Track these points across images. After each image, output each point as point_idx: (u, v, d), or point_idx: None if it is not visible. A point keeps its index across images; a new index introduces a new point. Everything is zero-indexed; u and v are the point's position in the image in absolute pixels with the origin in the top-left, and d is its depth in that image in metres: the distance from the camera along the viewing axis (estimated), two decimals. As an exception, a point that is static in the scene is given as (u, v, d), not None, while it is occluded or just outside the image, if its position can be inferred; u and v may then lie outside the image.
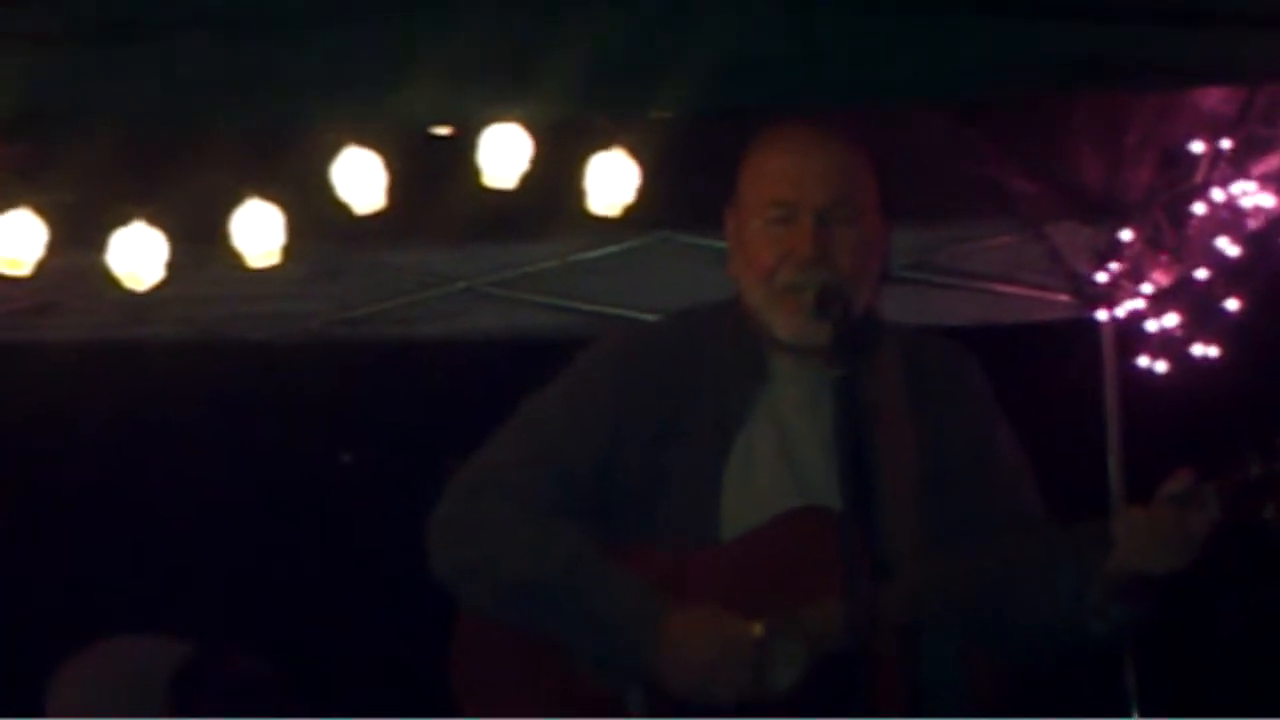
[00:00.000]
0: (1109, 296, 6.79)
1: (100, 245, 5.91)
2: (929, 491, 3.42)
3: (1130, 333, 6.78)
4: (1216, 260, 6.37)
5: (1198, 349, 6.60)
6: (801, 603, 3.28)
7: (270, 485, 8.92)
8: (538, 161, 5.44)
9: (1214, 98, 5.91)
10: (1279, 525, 3.14)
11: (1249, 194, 6.16)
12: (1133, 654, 6.41)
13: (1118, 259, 6.68)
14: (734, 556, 3.39)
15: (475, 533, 3.49)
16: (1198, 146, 6.23)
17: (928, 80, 4.03)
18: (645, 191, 5.82)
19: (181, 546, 8.62)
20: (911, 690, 3.23)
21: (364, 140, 5.52)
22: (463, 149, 5.38)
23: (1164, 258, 6.57)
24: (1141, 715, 6.44)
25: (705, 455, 3.44)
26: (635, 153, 5.74)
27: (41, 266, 5.90)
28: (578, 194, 5.81)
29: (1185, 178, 6.33)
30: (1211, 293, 6.45)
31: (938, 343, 3.62)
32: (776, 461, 3.44)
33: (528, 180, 5.49)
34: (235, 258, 5.92)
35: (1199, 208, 6.31)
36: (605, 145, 5.72)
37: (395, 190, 5.64)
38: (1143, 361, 6.76)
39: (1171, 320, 6.65)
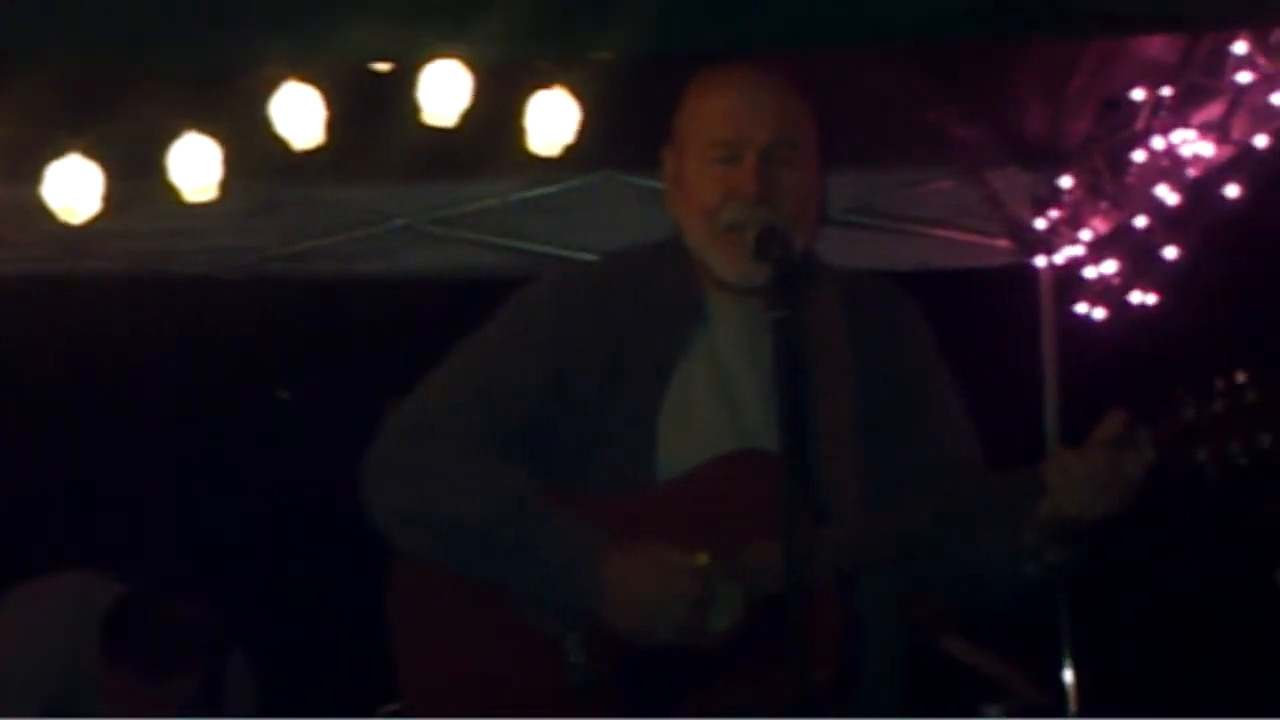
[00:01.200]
0: (1048, 243, 6.81)
1: (36, 179, 5.85)
2: (866, 435, 3.43)
3: (1069, 280, 6.81)
4: (1156, 208, 6.38)
5: (1136, 296, 6.63)
6: (739, 546, 3.28)
7: (207, 420, 8.90)
8: (478, 99, 5.40)
9: (1155, 46, 5.91)
10: (1212, 469, 3.15)
11: (1189, 142, 6.16)
12: (1066, 598, 6.45)
13: (1057, 206, 6.70)
14: (671, 499, 3.38)
15: (412, 477, 3.47)
16: (1138, 94, 6.23)
17: (870, 23, 4.02)
18: (586, 131, 5.80)
19: (120, 483, 8.60)
20: (848, 633, 3.24)
21: (303, 76, 5.47)
22: (403, 85, 5.34)
23: (1103, 205, 6.58)
24: (1073, 659, 6.48)
25: (642, 396, 3.44)
26: (576, 92, 5.71)
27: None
28: (518, 132, 5.78)
29: (1125, 125, 6.33)
30: (1150, 240, 6.46)
31: (878, 286, 3.62)
32: (713, 402, 3.44)
33: (468, 118, 5.45)
34: (172, 192, 5.87)
35: (1139, 155, 6.32)
36: (546, 84, 5.69)
37: (334, 126, 5.60)
38: (1081, 308, 6.79)
39: (1110, 267, 6.68)
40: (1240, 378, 3.15)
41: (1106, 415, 3.22)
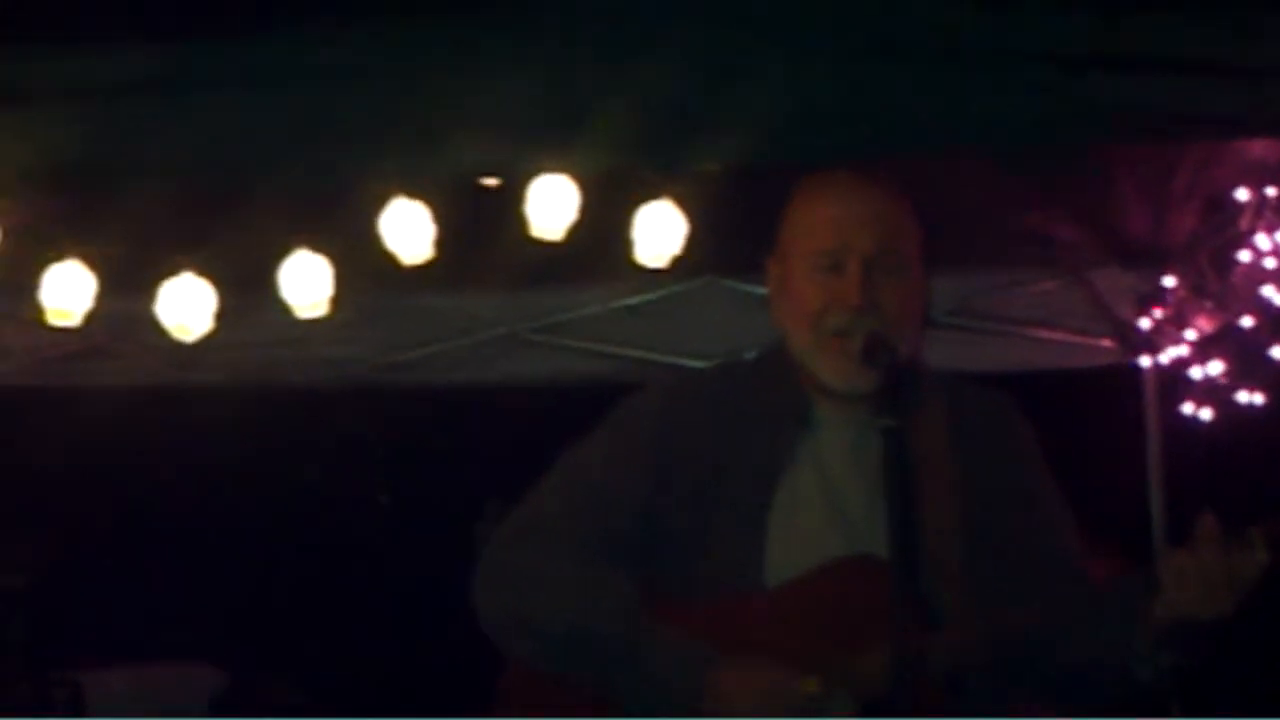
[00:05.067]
0: (1152, 343, 6.77)
1: (149, 293, 5.94)
2: (973, 542, 3.42)
3: (1174, 380, 6.76)
4: (1261, 307, 6.35)
5: (1243, 396, 6.58)
6: (849, 652, 3.27)
7: (312, 525, 8.98)
8: (585, 210, 5.46)
9: (1259, 146, 5.91)
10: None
11: (1295, 243, 6.15)
12: (1179, 700, 6.38)
13: (1161, 305, 6.67)
14: (780, 605, 3.37)
15: (522, 583, 3.48)
16: (1242, 194, 6.22)
17: (971, 131, 4.04)
18: (691, 238, 5.84)
19: (229, 586, 8.69)
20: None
21: (412, 192, 5.54)
22: (510, 199, 5.40)
23: (1208, 304, 6.55)
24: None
25: (750, 501, 3.44)
26: (683, 204, 5.75)
27: (91, 315, 5.95)
28: (625, 243, 5.82)
29: (1229, 225, 6.32)
30: (1257, 340, 6.43)
31: (983, 392, 3.61)
32: (821, 508, 3.43)
33: (575, 229, 5.51)
34: (284, 309, 5.94)
35: (1244, 255, 6.29)
36: (653, 196, 5.73)
37: (442, 238, 5.66)
38: (1187, 409, 6.74)
39: (1216, 368, 6.63)
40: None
41: (1200, 519, 3.21)
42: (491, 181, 5.14)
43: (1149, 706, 3.45)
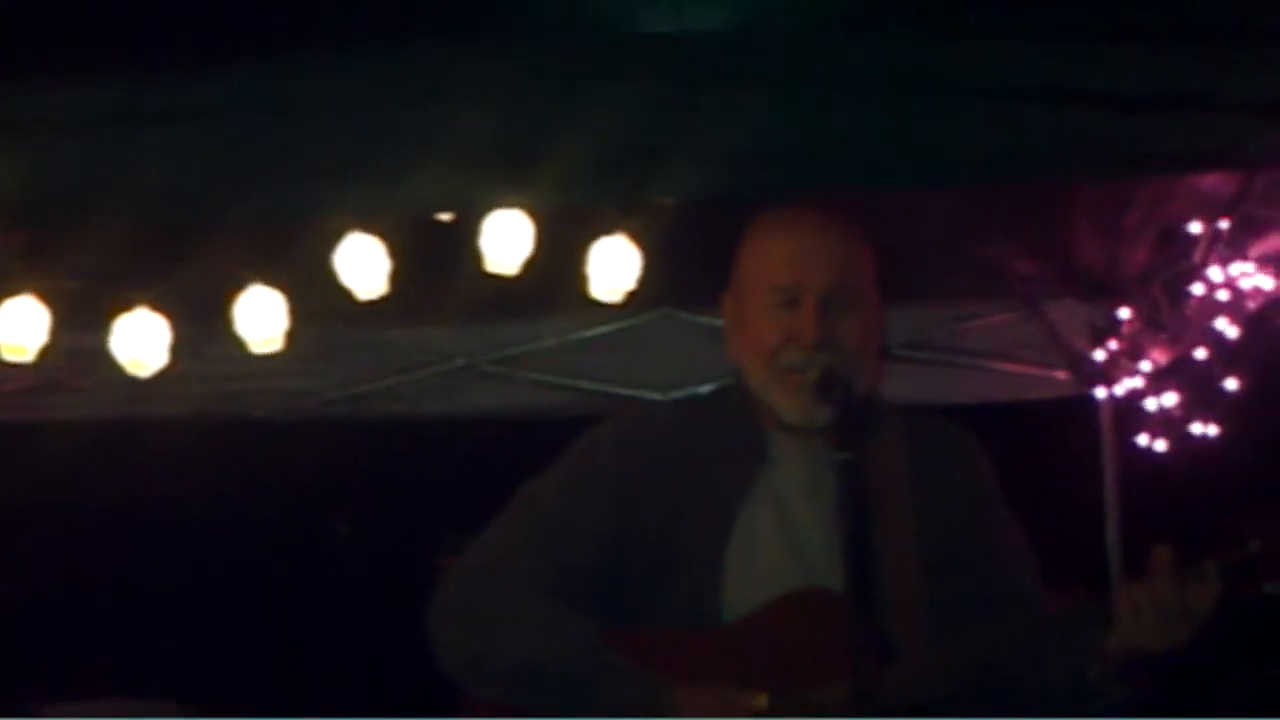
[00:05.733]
0: (1107, 375, 6.80)
1: (103, 327, 5.92)
2: (930, 573, 3.43)
3: (1129, 411, 6.79)
4: (1215, 340, 6.38)
5: (1197, 428, 6.61)
6: (806, 685, 3.28)
7: (271, 557, 8.95)
8: (540, 245, 5.46)
9: (1212, 178, 5.94)
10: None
11: (1248, 275, 6.17)
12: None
13: (1116, 337, 6.70)
14: (737, 638, 3.38)
15: (478, 620, 3.48)
16: (1196, 227, 6.25)
17: (927, 167, 4.05)
18: (646, 271, 5.84)
19: (189, 618, 8.65)
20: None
21: (367, 227, 5.53)
22: (465, 234, 5.40)
23: (1162, 337, 6.58)
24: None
25: (707, 537, 3.44)
26: (637, 238, 5.76)
27: (45, 350, 5.92)
28: (580, 278, 5.83)
29: (1183, 257, 6.35)
30: (1210, 372, 6.46)
31: (939, 424, 3.62)
32: (778, 542, 3.44)
33: (530, 264, 5.50)
34: (238, 344, 5.93)
35: (1197, 288, 6.33)
36: (608, 231, 5.74)
37: (398, 272, 5.65)
38: (1142, 440, 6.77)
39: (1171, 399, 6.66)
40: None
41: (1154, 550, 3.22)
42: (446, 216, 5.12)
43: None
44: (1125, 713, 3.37)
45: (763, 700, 3.28)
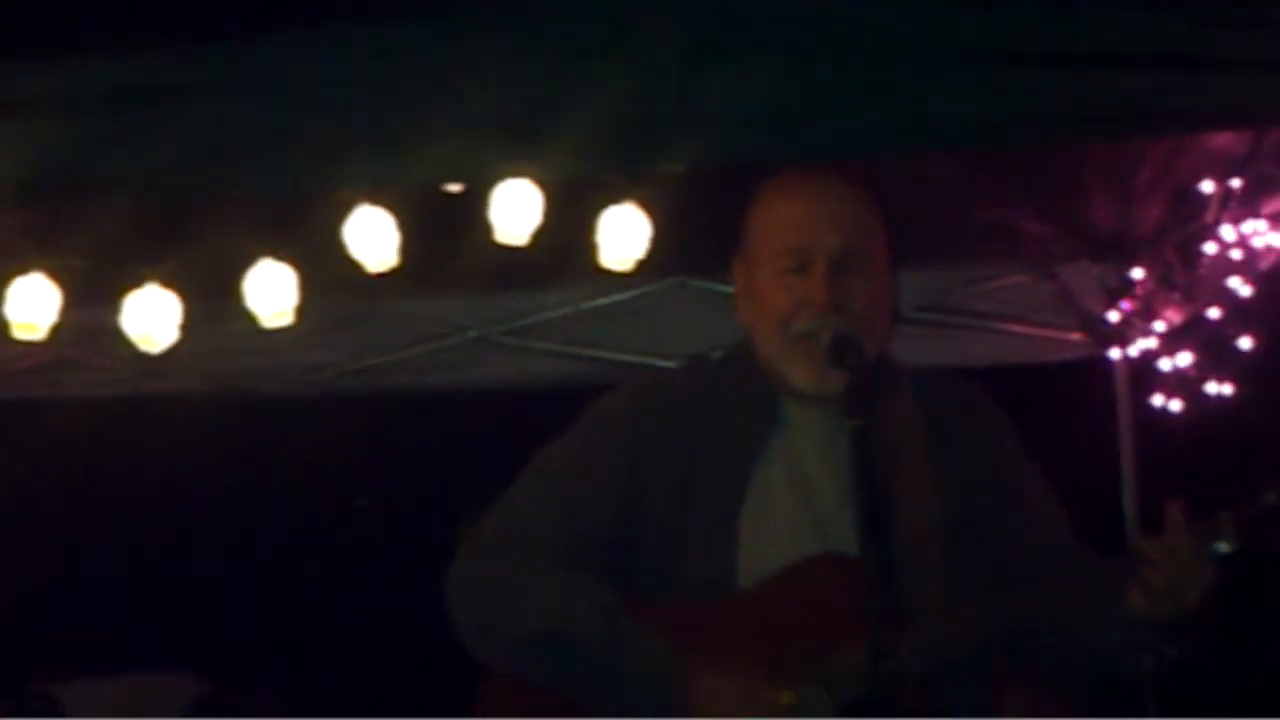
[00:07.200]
0: (1121, 335, 6.79)
1: (113, 304, 5.93)
2: (954, 535, 3.40)
3: (1144, 372, 6.78)
4: (1228, 299, 6.37)
5: (1211, 387, 6.60)
6: (824, 652, 3.26)
7: (288, 531, 8.97)
8: (550, 215, 5.45)
9: (1224, 138, 5.92)
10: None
11: (1260, 233, 6.16)
12: (1152, 691, 6.39)
13: (1129, 298, 6.68)
14: (754, 606, 3.36)
15: (493, 591, 3.46)
16: (1208, 186, 6.24)
17: (934, 131, 4.04)
18: (656, 240, 5.83)
19: (205, 594, 8.68)
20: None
21: (376, 199, 5.52)
22: (475, 205, 5.39)
23: (1176, 296, 6.57)
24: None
25: (721, 502, 3.42)
26: (647, 206, 5.75)
27: (56, 328, 5.93)
28: (590, 247, 5.82)
29: (1195, 217, 6.34)
30: (1224, 331, 6.45)
31: (956, 385, 3.59)
32: (792, 506, 3.42)
33: (540, 233, 5.50)
34: (249, 318, 5.93)
35: (1210, 247, 6.32)
36: (617, 199, 5.72)
37: (407, 244, 5.65)
38: (1157, 400, 6.76)
39: (1185, 359, 6.65)
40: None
41: (1168, 505, 3.21)
42: (455, 188, 5.11)
43: (1127, 707, 3.44)
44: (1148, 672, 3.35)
45: (789, 695, 3.26)
